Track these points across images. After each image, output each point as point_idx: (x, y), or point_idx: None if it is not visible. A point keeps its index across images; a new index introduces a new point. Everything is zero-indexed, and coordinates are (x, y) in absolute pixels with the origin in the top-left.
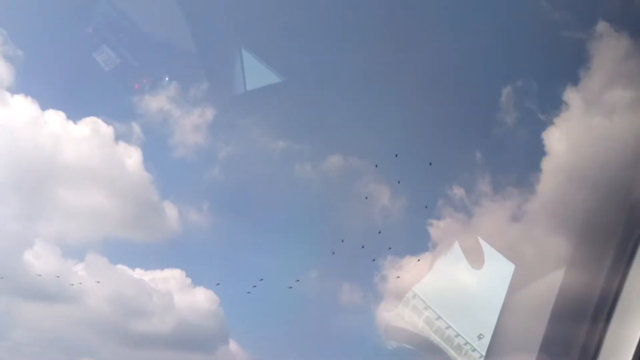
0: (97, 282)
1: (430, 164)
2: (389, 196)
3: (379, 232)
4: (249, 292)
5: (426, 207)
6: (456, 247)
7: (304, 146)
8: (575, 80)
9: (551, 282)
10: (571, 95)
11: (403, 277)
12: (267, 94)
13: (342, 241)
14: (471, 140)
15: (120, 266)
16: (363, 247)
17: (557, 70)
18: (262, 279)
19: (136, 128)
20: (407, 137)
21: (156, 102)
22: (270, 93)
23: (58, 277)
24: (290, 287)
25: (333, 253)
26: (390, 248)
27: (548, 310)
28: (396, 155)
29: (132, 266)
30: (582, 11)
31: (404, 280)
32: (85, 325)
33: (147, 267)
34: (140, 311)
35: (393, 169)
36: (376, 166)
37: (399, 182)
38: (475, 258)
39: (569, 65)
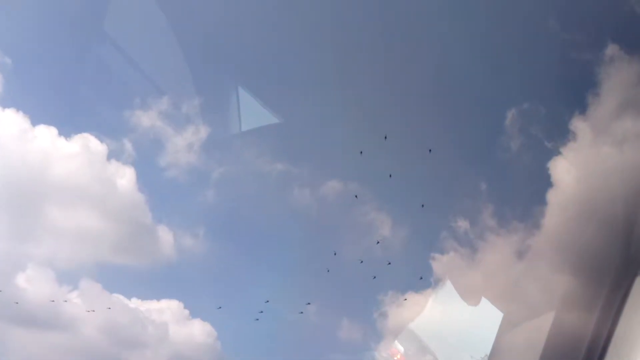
0: (91, 311)
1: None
2: (390, 226)
3: (389, 264)
4: (257, 319)
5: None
6: (458, 284)
7: (302, 170)
8: (582, 107)
9: (552, 321)
10: (578, 124)
11: (403, 314)
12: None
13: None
14: (475, 170)
15: (115, 295)
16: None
17: (564, 96)
18: (261, 312)
19: (128, 145)
20: (409, 164)
21: (149, 119)
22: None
23: (53, 301)
24: (290, 320)
25: (309, 303)
26: (389, 263)
27: (551, 349)
28: (390, 175)
29: (128, 294)
30: (592, 34)
31: (404, 317)
32: (77, 355)
33: (142, 296)
34: (135, 342)
35: (396, 198)
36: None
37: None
38: (477, 297)
39: (577, 91)
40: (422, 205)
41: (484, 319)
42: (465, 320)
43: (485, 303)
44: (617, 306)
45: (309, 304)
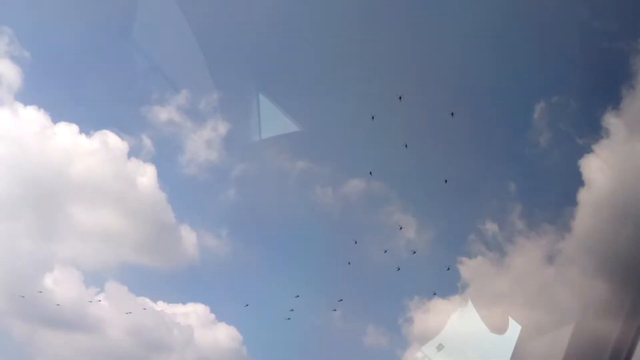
0: (117, 313)
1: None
2: (415, 228)
3: (398, 269)
4: (288, 318)
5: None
6: (485, 289)
7: (324, 168)
8: (616, 101)
9: (583, 328)
10: (611, 119)
11: (429, 320)
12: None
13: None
14: (502, 167)
15: (141, 298)
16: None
17: (596, 88)
18: (292, 309)
19: (147, 142)
20: (437, 166)
21: (167, 114)
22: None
23: (58, 305)
24: (316, 325)
25: (340, 300)
26: (414, 252)
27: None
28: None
29: (153, 297)
30: (626, 21)
31: (430, 322)
32: (103, 357)
33: (168, 299)
34: (161, 345)
35: (421, 199)
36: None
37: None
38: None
39: (610, 83)
40: (446, 181)
41: (512, 326)
42: (492, 326)
43: (514, 309)
44: None
45: (341, 300)
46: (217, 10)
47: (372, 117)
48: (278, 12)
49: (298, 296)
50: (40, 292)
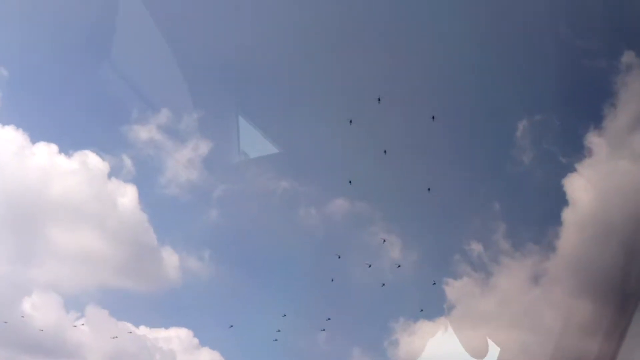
0: (98, 338)
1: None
2: (400, 248)
3: (398, 266)
4: (275, 340)
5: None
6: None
7: (308, 188)
8: (598, 119)
9: (570, 348)
10: (594, 138)
11: (414, 342)
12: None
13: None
14: (486, 186)
15: (123, 322)
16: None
17: (578, 107)
18: (279, 330)
19: (127, 161)
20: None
21: (147, 133)
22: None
23: (42, 330)
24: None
25: (329, 319)
26: (399, 266)
27: None
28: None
29: (135, 321)
30: (606, 40)
31: (415, 345)
32: None
33: (150, 323)
34: None
35: (405, 219)
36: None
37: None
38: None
39: (591, 102)
40: (429, 189)
41: (498, 347)
42: (478, 348)
43: (499, 330)
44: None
45: (329, 319)
46: (196, 28)
47: (350, 121)
48: (259, 30)
49: (285, 315)
50: (23, 317)
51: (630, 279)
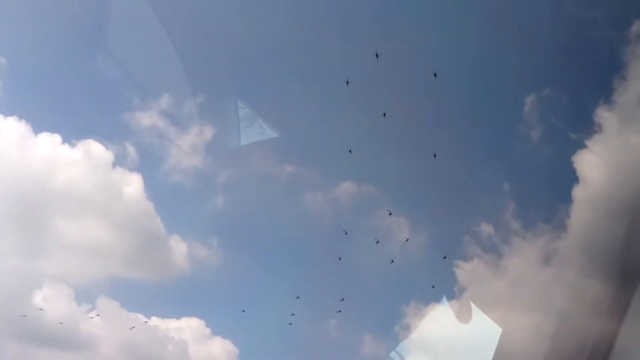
0: (110, 329)
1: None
2: (408, 231)
3: (392, 261)
4: (290, 324)
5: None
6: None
7: (314, 172)
8: (608, 93)
9: (583, 329)
10: (604, 113)
11: (426, 326)
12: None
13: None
14: (494, 164)
15: (134, 313)
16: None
17: (587, 80)
18: (293, 314)
19: (131, 149)
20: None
21: (150, 119)
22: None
23: (61, 323)
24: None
25: (342, 299)
26: (392, 261)
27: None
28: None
29: (146, 312)
30: (614, 10)
31: (427, 329)
32: None
33: (159, 313)
34: None
35: (413, 201)
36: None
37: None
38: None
39: (600, 75)
40: (435, 156)
41: (511, 329)
42: (490, 331)
43: (511, 312)
44: None
45: (342, 299)
46: (196, 12)
47: (347, 82)
48: (260, 13)
49: (298, 297)
50: (41, 309)
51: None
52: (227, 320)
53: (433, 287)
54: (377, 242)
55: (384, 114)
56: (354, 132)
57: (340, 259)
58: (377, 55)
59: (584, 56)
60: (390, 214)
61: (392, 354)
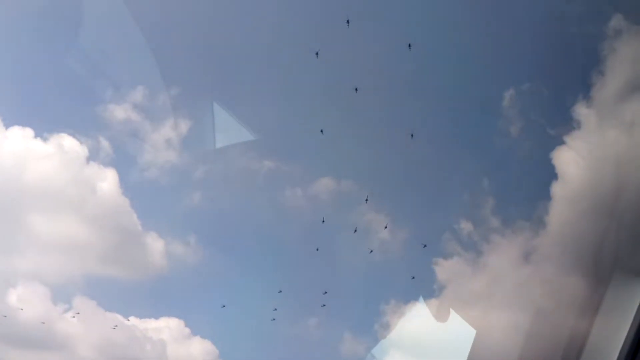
0: (87, 330)
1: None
2: (389, 228)
3: (370, 251)
4: (273, 319)
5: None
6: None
7: (293, 167)
8: (586, 88)
9: (563, 327)
10: (582, 109)
11: (406, 324)
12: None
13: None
14: (473, 161)
15: (111, 313)
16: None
17: (565, 76)
18: (275, 309)
19: (105, 144)
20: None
21: (124, 113)
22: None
23: (43, 323)
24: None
25: (325, 292)
26: (371, 251)
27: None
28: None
29: (124, 312)
30: (593, 4)
31: (407, 327)
32: None
33: (137, 313)
34: None
35: (393, 197)
36: (366, 199)
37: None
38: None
39: (579, 70)
40: (412, 136)
41: (491, 327)
42: (470, 329)
43: (491, 310)
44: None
45: (325, 292)
46: (168, 1)
47: (317, 54)
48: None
49: (281, 291)
50: (21, 309)
51: (622, 254)
52: (206, 319)
53: (413, 278)
54: (355, 230)
55: (356, 89)
56: (328, 119)
57: (317, 249)
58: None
59: (563, 51)
60: (367, 200)
61: (372, 352)
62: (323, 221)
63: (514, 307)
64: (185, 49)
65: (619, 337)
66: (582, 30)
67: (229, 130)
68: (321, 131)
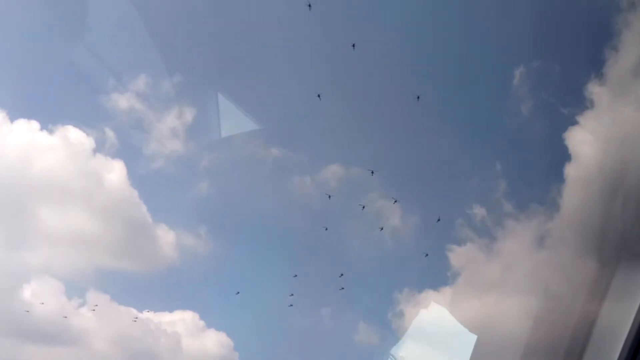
0: (101, 324)
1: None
2: (400, 215)
3: (381, 229)
4: (291, 305)
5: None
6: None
7: (301, 155)
8: (599, 64)
9: (580, 312)
10: (595, 87)
11: (420, 313)
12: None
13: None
14: (484, 143)
15: (125, 307)
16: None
17: (577, 52)
18: (292, 294)
19: (111, 134)
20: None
21: (132, 103)
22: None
23: (65, 317)
24: (306, 325)
25: (342, 288)
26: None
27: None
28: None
29: (137, 305)
30: None
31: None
32: None
33: (151, 306)
34: (148, 356)
35: (404, 183)
36: (372, 172)
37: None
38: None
39: (592, 46)
40: (418, 98)
41: (506, 315)
42: (485, 316)
43: (506, 297)
44: None
45: (341, 275)
46: None
47: (319, 96)
48: None
49: (296, 275)
50: (42, 303)
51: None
52: (220, 311)
53: (427, 255)
54: (363, 207)
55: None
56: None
57: (326, 228)
58: None
59: (573, 25)
60: (372, 173)
61: (386, 341)
62: (329, 197)
63: (528, 293)
64: (186, 36)
65: (626, 321)
66: (594, 2)
67: (234, 118)
68: (318, 96)
